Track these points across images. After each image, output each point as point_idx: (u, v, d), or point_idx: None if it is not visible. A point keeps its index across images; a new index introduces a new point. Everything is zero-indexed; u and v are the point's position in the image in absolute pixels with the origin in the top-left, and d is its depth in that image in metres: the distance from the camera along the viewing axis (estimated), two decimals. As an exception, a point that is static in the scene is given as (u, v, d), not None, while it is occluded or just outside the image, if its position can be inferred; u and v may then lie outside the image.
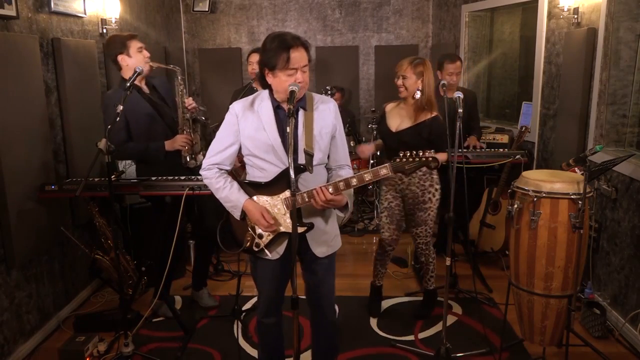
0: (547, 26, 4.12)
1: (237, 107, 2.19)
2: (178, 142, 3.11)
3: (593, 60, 3.44)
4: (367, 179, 2.05)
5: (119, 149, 2.86)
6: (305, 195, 2.08)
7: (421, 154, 2.02)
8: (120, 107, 2.57)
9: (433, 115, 3.04)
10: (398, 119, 3.14)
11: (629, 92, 3.28)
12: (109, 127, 2.57)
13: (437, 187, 3.18)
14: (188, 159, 3.16)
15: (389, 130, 3.15)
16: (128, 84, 2.65)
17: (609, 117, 3.34)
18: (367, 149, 3.48)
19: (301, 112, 2.16)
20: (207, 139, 3.36)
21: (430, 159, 2.02)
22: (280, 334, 2.47)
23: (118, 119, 2.58)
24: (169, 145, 3.10)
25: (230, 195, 2.17)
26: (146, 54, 3.10)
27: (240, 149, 2.22)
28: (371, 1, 6.31)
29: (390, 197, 3.25)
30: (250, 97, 2.21)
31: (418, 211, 3.18)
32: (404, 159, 2.02)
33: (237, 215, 2.18)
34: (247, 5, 6.34)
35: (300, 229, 2.10)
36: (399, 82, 3.05)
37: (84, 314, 3.43)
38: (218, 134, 2.24)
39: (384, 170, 2.03)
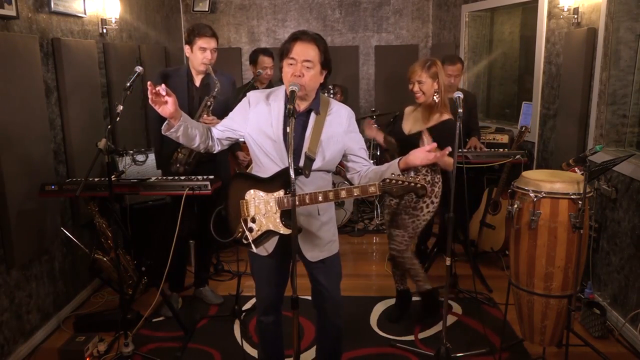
0: (547, 26, 4.12)
1: (252, 96, 2.23)
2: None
3: (593, 60, 3.44)
4: (355, 194, 2.06)
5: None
6: (297, 198, 2.06)
7: (418, 179, 2.01)
8: (120, 107, 2.58)
9: (443, 119, 2.96)
10: (412, 122, 3.09)
11: (629, 92, 3.28)
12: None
13: (436, 200, 3.07)
14: (178, 165, 3.18)
15: (402, 132, 3.09)
16: (128, 84, 2.66)
17: (609, 117, 3.34)
18: (374, 131, 3.15)
19: (313, 115, 2.16)
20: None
21: (419, 186, 2.00)
22: (280, 333, 2.46)
23: (118, 118, 2.60)
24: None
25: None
26: (208, 55, 3.11)
27: (244, 141, 2.27)
28: (371, 1, 6.31)
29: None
30: (268, 90, 2.25)
31: (404, 213, 3.05)
32: (394, 182, 2.01)
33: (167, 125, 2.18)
34: (247, 5, 6.34)
35: (287, 231, 2.10)
36: (415, 88, 2.96)
37: (84, 314, 3.43)
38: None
39: (372, 189, 2.03)
